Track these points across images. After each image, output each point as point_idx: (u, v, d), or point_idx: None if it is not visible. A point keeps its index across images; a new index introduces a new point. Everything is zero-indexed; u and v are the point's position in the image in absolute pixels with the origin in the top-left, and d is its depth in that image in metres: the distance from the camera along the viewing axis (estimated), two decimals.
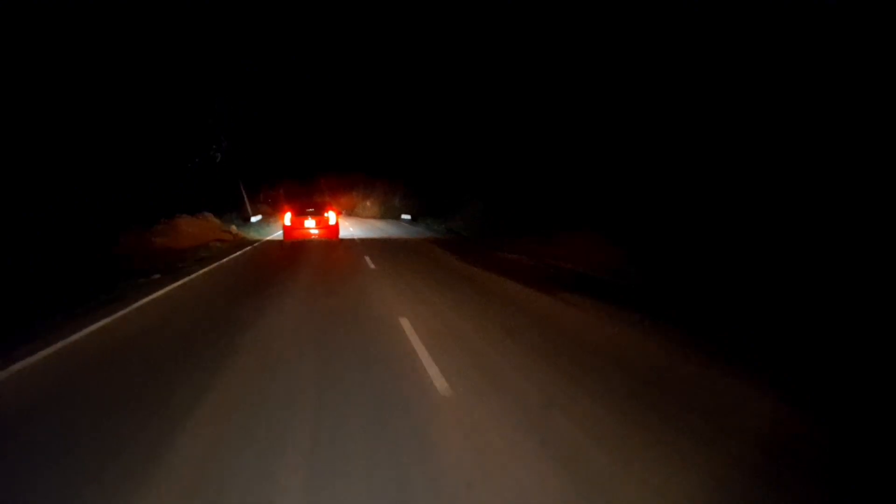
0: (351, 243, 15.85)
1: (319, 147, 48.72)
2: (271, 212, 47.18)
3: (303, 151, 48.16)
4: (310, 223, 14.90)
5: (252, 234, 20.01)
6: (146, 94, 20.09)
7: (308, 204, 15.72)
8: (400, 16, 36.69)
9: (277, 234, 21.13)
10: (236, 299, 6.79)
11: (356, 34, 45.79)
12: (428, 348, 4.44)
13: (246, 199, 35.23)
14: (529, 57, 21.48)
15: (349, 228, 23.56)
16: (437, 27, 31.59)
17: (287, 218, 14.97)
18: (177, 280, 8.40)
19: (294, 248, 14.18)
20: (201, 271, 9.46)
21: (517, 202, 22.03)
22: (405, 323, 5.38)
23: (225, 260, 11.26)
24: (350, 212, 45.48)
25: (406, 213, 35.31)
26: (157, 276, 8.94)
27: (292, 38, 46.19)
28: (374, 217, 40.87)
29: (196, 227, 14.80)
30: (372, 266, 10.14)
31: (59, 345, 4.57)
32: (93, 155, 16.80)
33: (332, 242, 15.05)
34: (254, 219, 30.45)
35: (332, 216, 15.40)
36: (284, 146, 47.23)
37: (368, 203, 45.40)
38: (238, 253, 12.72)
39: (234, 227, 18.79)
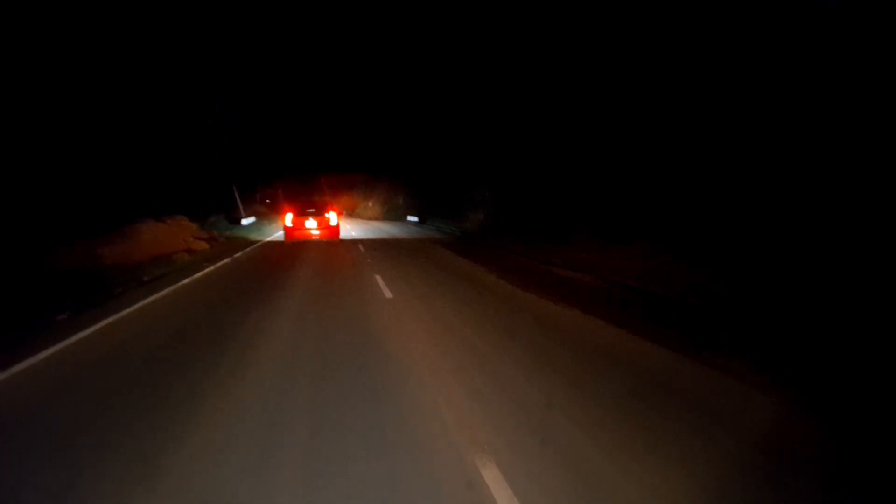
0: (355, 252, 12.74)
1: (319, 146, 47.58)
2: (268, 212, 44.73)
3: (302, 151, 47.07)
4: (311, 223, 14.42)
5: (241, 238, 16.85)
6: (146, 94, 19.64)
7: (309, 204, 15.32)
8: (405, 11, 34.30)
9: (273, 237, 18.27)
10: (163, 376, 3.68)
11: (356, 34, 44.70)
12: None
13: (238, 200, 32.39)
14: (553, 40, 18.72)
15: (351, 233, 20.43)
16: (450, 18, 28.97)
17: (288, 218, 14.46)
18: (87, 326, 5.24)
19: (281, 262, 11.07)
20: (136, 306, 6.28)
21: (540, 201, 19.08)
22: (495, 482, 2.28)
23: (184, 283, 8.08)
24: (351, 212, 42.48)
25: (412, 213, 32.23)
26: (65, 315, 5.82)
27: (292, 38, 45.09)
28: (376, 218, 37.77)
29: (162, 234, 11.64)
30: (388, 294, 7.00)
31: None
32: (93, 155, 16.29)
33: (329, 257, 12.02)
34: (246, 221, 27.43)
35: (332, 216, 14.82)
36: (284, 146, 46.15)
37: (370, 203, 42.23)
38: (207, 270, 9.54)
39: (215, 232, 15.62)
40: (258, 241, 16.02)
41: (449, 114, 29.24)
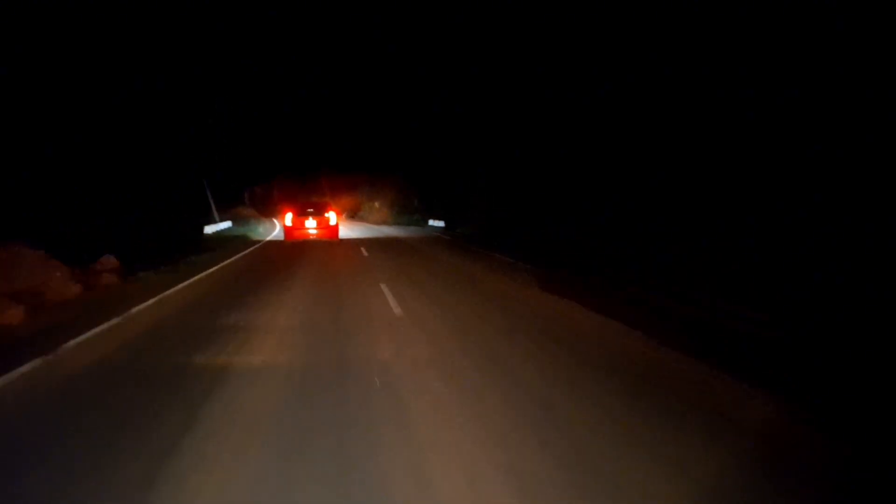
0: (385, 324, 5.88)
1: (319, 145, 44.08)
2: (256, 213, 38.60)
3: (302, 150, 44.05)
4: (310, 223, 14.62)
5: (170, 268, 9.78)
6: (144, 95, 18.18)
7: (308, 204, 15.54)
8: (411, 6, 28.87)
9: (241, 253, 11.49)
10: None
11: (356, 32, 42.31)
12: None
13: (212, 202, 25.54)
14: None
15: (362, 251, 13.52)
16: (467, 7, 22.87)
17: (288, 218, 14.79)
18: None
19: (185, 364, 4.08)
20: None
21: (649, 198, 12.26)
22: None
23: None
24: (353, 214, 35.79)
25: (433, 216, 25.33)
26: None
27: (292, 38, 42.71)
28: (383, 222, 30.75)
29: None
30: None
31: None
32: (94, 156, 15.39)
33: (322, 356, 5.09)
34: (212, 227, 20.44)
35: (332, 216, 14.90)
36: (283, 145, 42.09)
37: (377, 204, 35.31)
38: None
39: (108, 260, 8.46)
40: (196, 275, 8.88)
41: (483, 100, 22.44)
